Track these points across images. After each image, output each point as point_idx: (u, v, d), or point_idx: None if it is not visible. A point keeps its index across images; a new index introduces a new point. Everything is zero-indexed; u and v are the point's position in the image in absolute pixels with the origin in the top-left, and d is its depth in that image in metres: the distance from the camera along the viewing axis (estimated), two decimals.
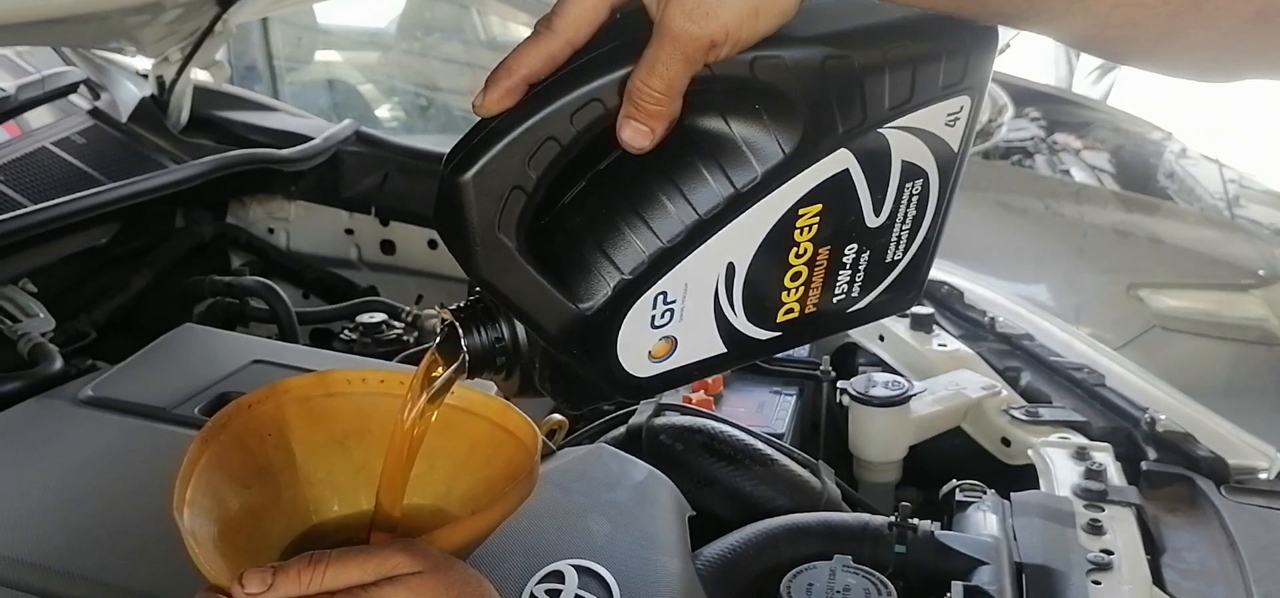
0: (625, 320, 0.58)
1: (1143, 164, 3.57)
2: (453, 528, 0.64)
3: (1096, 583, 0.91)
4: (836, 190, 0.60)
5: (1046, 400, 1.23)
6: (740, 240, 0.59)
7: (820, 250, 0.61)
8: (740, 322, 0.62)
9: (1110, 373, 1.24)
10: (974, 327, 1.36)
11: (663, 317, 0.60)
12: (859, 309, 0.67)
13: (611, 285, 0.57)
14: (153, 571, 0.72)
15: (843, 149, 0.58)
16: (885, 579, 0.85)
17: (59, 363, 1.07)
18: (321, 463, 0.75)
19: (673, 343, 0.61)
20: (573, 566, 0.79)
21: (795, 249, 0.61)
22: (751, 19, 0.52)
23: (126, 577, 0.72)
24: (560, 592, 0.77)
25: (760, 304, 0.62)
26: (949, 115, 0.61)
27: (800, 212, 0.59)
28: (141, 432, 0.92)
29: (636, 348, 0.60)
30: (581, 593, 0.77)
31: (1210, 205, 3.22)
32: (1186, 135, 3.56)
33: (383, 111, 3.91)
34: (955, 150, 0.63)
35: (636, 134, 0.53)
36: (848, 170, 0.60)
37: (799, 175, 0.58)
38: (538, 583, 0.77)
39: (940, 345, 1.31)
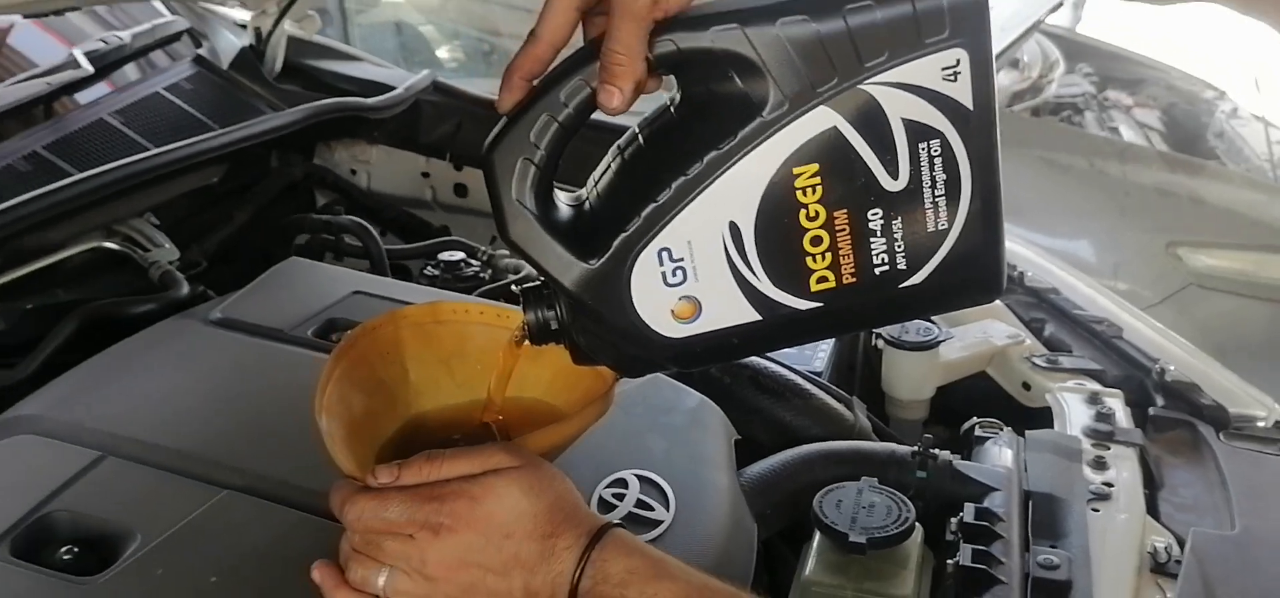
0: (633, 275, 0.67)
1: (1194, 122, 3.59)
2: (542, 433, 0.78)
3: (1095, 511, 1.03)
4: (830, 150, 0.64)
5: (1067, 350, 1.34)
6: (735, 199, 0.65)
7: (835, 214, 0.65)
8: (765, 286, 0.67)
9: (1128, 326, 1.34)
10: None
11: (675, 275, 0.67)
12: (916, 286, 0.68)
13: (611, 241, 0.66)
14: (288, 463, 0.86)
15: (822, 107, 0.63)
16: (906, 499, 0.97)
17: (186, 288, 1.22)
18: (429, 379, 0.88)
19: (696, 304, 0.68)
20: (635, 475, 0.92)
21: (804, 211, 0.65)
22: None
23: (266, 467, 0.87)
24: (624, 495, 0.90)
25: (784, 268, 0.67)
26: (945, 70, 0.62)
27: (795, 171, 0.64)
28: (264, 349, 1.06)
29: (656, 306, 0.68)
30: (642, 498, 0.90)
31: (1256, 167, 3.25)
32: (1239, 94, 3.56)
33: (443, 52, 4.05)
34: (970, 107, 0.63)
35: (608, 95, 0.64)
36: (836, 128, 0.63)
37: (778, 134, 0.63)
38: (606, 487, 0.90)
39: None
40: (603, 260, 0.67)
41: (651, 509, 0.89)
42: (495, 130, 0.68)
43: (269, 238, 1.62)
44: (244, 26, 1.73)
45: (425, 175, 1.79)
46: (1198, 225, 2.81)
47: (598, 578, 0.70)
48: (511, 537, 0.71)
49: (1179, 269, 2.73)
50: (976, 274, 0.68)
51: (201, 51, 1.69)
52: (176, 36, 1.70)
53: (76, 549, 0.78)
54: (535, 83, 0.67)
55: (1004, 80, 3.38)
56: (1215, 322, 2.65)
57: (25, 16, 1.54)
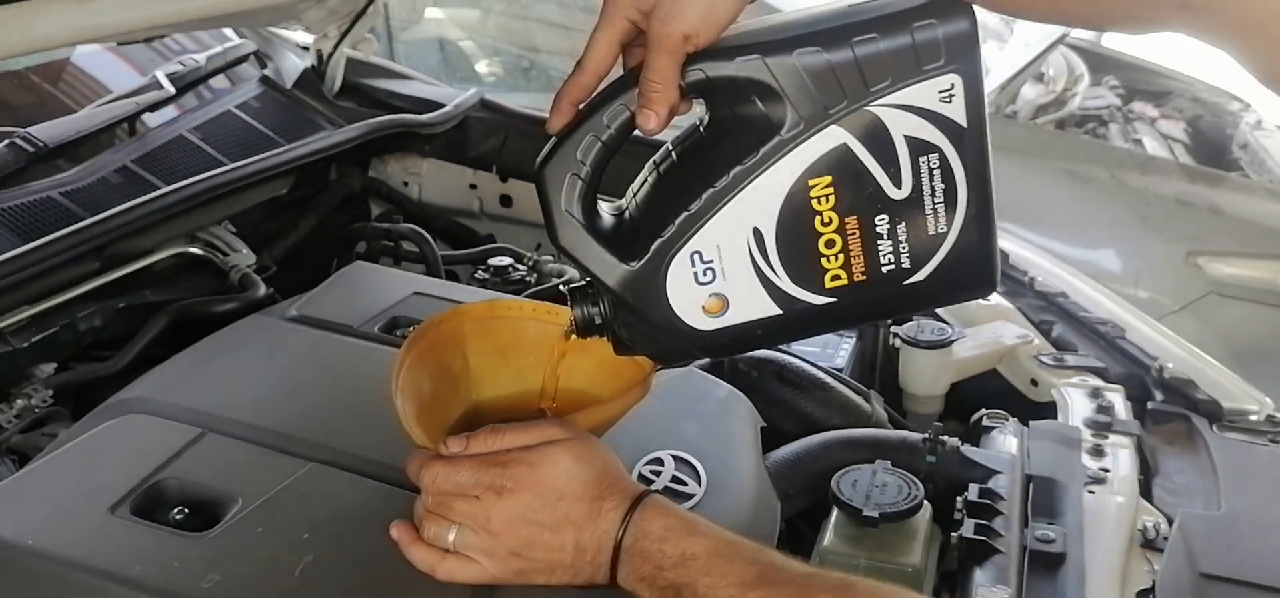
0: (669, 274, 0.77)
1: (1219, 134, 3.65)
2: (590, 411, 0.89)
3: (1091, 492, 1.12)
4: (842, 164, 0.73)
5: (1073, 349, 1.43)
6: (758, 208, 0.74)
7: (846, 220, 0.74)
8: (785, 284, 0.76)
9: (1130, 327, 1.44)
10: (1016, 284, 1.56)
11: (705, 275, 0.77)
12: (919, 283, 0.76)
13: (648, 245, 0.77)
14: (364, 440, 0.98)
15: (833, 126, 0.72)
16: (916, 480, 1.07)
17: (263, 289, 1.35)
18: (487, 368, 0.99)
19: (724, 301, 0.78)
20: (670, 454, 1.03)
21: (819, 217, 0.74)
22: (711, 12, 0.72)
23: (345, 443, 0.98)
24: (661, 471, 1.01)
25: (802, 267, 0.76)
26: (941, 93, 0.72)
27: (810, 184, 0.73)
28: (336, 343, 1.18)
29: (689, 303, 0.78)
30: (677, 474, 1.01)
31: (1278, 178, 3.31)
32: (1263, 106, 3.61)
33: (481, 67, 4.19)
34: (964, 125, 0.72)
35: (646, 118, 0.75)
36: (847, 144, 0.72)
37: (795, 150, 0.73)
38: (645, 464, 1.01)
39: (985, 300, 1.52)
40: (642, 262, 0.78)
41: (685, 484, 1.00)
42: (546, 149, 0.79)
43: (328, 244, 1.75)
44: (306, 49, 1.86)
45: (473, 187, 1.91)
46: (1217, 235, 2.88)
47: (639, 534, 0.80)
48: (564, 498, 0.81)
49: (1199, 278, 2.80)
50: (973, 272, 0.78)
51: (267, 72, 1.82)
52: (244, 58, 1.84)
53: (186, 510, 0.90)
54: (581, 107, 0.78)
55: (1029, 93, 3.46)
56: (1234, 329, 2.71)
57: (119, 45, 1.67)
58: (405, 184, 1.94)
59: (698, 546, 0.79)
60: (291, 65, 1.85)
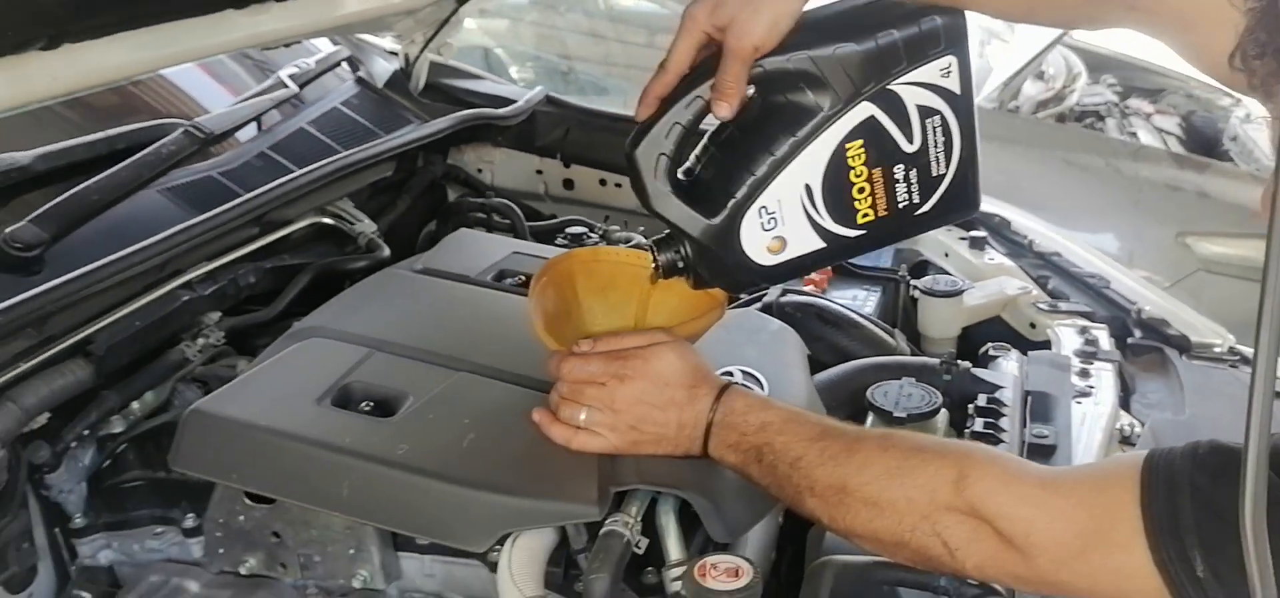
0: (742, 226, 1.00)
1: (1212, 128, 3.89)
2: (683, 325, 1.14)
3: (1078, 403, 1.38)
4: (870, 130, 0.96)
5: (1065, 298, 1.68)
6: (809, 169, 0.97)
7: (874, 171, 0.98)
8: (829, 223, 1.00)
9: (1114, 279, 1.69)
10: (1016, 246, 1.82)
11: (769, 223, 1.00)
12: (926, 212, 1.01)
13: (726, 204, 1.00)
14: (498, 355, 1.24)
15: (865, 102, 0.95)
16: (936, 391, 1.33)
17: (387, 251, 1.61)
18: (590, 301, 1.24)
19: (783, 242, 1.01)
20: (738, 369, 1.28)
21: (852, 171, 0.98)
22: (773, 27, 0.95)
23: (484, 358, 1.24)
24: (732, 380, 1.26)
25: (841, 209, 0.99)
26: (941, 70, 0.95)
27: (847, 147, 0.96)
28: (459, 288, 1.44)
29: (757, 245, 1.01)
30: (744, 382, 1.26)
31: (1266, 167, 3.55)
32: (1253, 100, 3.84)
33: (514, 72, 4.46)
34: (959, 93, 0.96)
35: (721, 108, 0.98)
36: (874, 115, 0.95)
37: (836, 123, 0.96)
38: (719, 374, 1.27)
39: (990, 259, 1.78)
40: (721, 217, 1.02)
41: (750, 390, 1.25)
42: (634, 134, 1.02)
43: (418, 219, 2.01)
44: (394, 53, 2.13)
45: (539, 172, 2.17)
46: (1205, 217, 3.13)
47: (726, 412, 1.06)
48: (669, 385, 1.07)
49: (1188, 257, 3.04)
50: (963, 199, 1.04)
51: (361, 74, 2.09)
52: (339, 63, 2.10)
53: (372, 404, 1.16)
54: (662, 100, 1.01)
55: (1030, 90, 3.72)
56: (1223, 304, 2.95)
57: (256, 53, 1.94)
58: (479, 170, 2.19)
59: (772, 415, 1.04)
60: (381, 68, 2.12)
